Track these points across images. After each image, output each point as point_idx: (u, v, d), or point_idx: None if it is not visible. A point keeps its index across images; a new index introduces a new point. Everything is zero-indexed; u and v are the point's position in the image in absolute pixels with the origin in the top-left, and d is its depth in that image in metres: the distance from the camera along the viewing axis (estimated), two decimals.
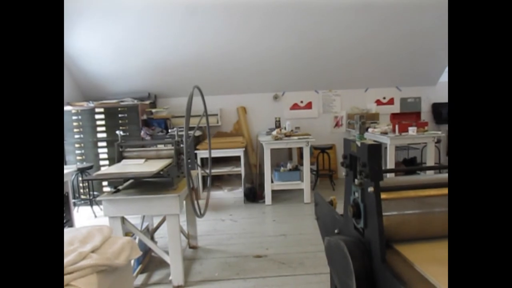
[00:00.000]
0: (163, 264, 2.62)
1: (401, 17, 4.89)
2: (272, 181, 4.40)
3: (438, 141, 5.06)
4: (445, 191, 0.98)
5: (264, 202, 4.33)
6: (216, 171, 4.62)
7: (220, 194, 4.72)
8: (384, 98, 5.90)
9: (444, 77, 5.80)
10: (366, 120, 1.13)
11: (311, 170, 4.78)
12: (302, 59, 5.03)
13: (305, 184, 4.31)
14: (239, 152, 4.51)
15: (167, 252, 2.39)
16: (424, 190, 1.00)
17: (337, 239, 1.14)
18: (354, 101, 5.72)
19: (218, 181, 5.18)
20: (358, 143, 1.01)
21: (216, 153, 4.35)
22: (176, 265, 2.37)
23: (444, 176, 1.07)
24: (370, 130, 4.91)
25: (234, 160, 4.85)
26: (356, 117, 1.04)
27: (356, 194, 1.05)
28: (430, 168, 4.12)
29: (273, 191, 4.36)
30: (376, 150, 0.95)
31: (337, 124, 5.78)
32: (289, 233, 3.33)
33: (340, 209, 1.45)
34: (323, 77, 5.45)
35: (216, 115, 5.38)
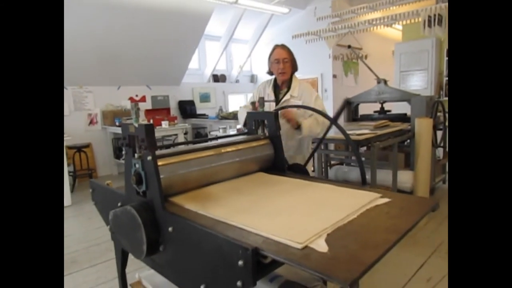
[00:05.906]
0: None
1: (156, 23, 5.36)
2: None
3: (186, 133, 6.00)
4: (201, 154, 1.45)
5: None
6: None
7: None
8: (137, 95, 6.27)
9: (185, 79, 6.86)
10: (139, 107, 1.37)
11: (68, 172, 4.46)
12: None
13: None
14: None
15: None
16: (186, 155, 1.42)
17: (123, 207, 1.37)
18: (108, 98, 5.74)
19: None
20: (136, 125, 1.28)
21: None
22: None
23: (202, 145, 1.54)
24: None
25: None
26: (132, 104, 1.30)
27: (137, 165, 1.33)
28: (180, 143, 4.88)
29: None
30: (151, 128, 1.26)
31: (91, 122, 5.60)
32: None
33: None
34: (73, 73, 5.14)
35: None
